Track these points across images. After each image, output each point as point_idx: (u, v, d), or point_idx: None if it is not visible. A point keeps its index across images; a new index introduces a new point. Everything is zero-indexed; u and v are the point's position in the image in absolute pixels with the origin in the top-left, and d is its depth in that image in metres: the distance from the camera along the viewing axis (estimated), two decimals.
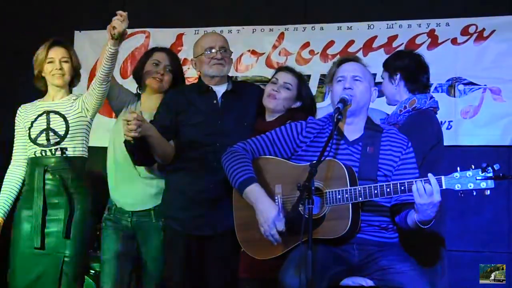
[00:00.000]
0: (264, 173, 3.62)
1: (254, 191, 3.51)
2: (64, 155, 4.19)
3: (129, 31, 6.17)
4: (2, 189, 4.33)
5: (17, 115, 4.38)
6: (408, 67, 4.12)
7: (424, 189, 3.19)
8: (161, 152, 4.11)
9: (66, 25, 6.30)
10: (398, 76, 4.12)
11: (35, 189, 4.16)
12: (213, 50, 4.21)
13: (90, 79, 4.59)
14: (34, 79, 4.34)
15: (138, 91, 4.56)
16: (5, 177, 4.33)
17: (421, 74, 4.13)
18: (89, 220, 4.24)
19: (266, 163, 3.66)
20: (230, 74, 5.95)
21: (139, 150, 4.03)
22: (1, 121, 4.65)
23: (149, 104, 4.41)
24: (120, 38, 3.94)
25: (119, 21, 3.91)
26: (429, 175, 3.21)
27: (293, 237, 3.43)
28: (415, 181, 3.24)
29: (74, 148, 4.22)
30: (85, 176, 4.28)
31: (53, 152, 4.19)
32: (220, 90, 4.26)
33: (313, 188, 3.18)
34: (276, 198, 3.57)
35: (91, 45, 6.25)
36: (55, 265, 4.11)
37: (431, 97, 4.10)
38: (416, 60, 4.16)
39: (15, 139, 4.36)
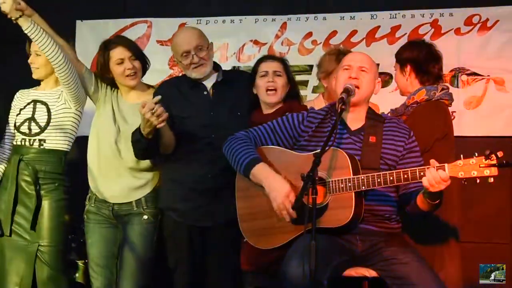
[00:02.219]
0: (267, 163, 3.59)
1: (262, 169, 3.51)
2: (42, 146, 4.23)
3: (131, 20, 6.23)
4: None
5: (14, 99, 4.44)
6: (417, 58, 4.09)
7: (432, 176, 3.16)
8: (169, 141, 4.08)
9: (68, 15, 6.27)
10: (408, 68, 4.10)
11: (9, 176, 4.24)
12: (189, 55, 4.13)
13: (92, 68, 4.56)
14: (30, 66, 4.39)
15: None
16: None
17: (432, 64, 4.09)
18: (60, 212, 4.28)
19: (269, 152, 3.65)
20: (232, 64, 6.01)
21: (155, 143, 3.96)
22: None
23: (131, 96, 4.34)
24: (17, 17, 3.98)
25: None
26: (431, 161, 3.21)
27: (296, 226, 3.43)
28: (420, 170, 3.22)
29: (53, 140, 4.25)
30: (62, 169, 4.31)
31: (31, 143, 4.24)
32: (209, 82, 4.23)
33: (316, 178, 3.17)
34: None
35: (92, 34, 6.23)
36: (30, 253, 4.19)
37: (443, 89, 4.06)
38: (426, 51, 4.12)
39: (9, 121, 4.41)
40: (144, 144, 3.93)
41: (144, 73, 4.38)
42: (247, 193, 3.62)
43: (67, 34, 4.41)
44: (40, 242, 4.20)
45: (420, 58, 4.08)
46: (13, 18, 3.96)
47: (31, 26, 4.00)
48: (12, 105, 4.42)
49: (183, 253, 4.15)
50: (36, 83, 4.44)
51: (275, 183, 3.46)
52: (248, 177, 3.54)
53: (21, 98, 4.40)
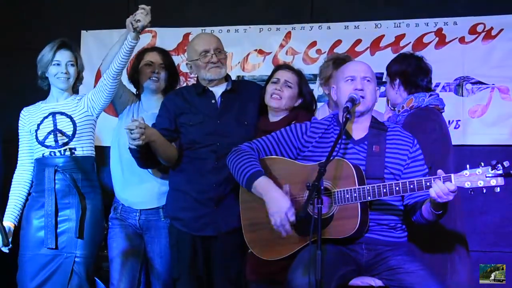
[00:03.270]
0: (271, 173, 3.60)
1: (264, 183, 3.49)
2: (73, 155, 4.16)
3: None
4: (11, 193, 4.26)
5: (20, 118, 4.31)
6: (406, 71, 4.10)
7: (440, 189, 3.16)
8: (164, 155, 4.12)
9: (73, 25, 6.30)
10: (398, 81, 4.12)
11: (45, 189, 4.11)
12: (208, 54, 4.18)
13: (97, 78, 4.57)
14: (38, 79, 4.31)
15: (137, 92, 4.58)
16: (13, 181, 4.29)
17: (420, 77, 4.10)
18: (100, 219, 4.22)
19: (273, 163, 3.65)
20: (237, 74, 6.02)
21: (144, 156, 4.03)
22: (7, 120, 4.63)
23: (150, 105, 4.43)
24: (141, 31, 3.97)
25: (143, 15, 3.92)
26: (439, 171, 3.20)
27: (301, 237, 3.43)
28: (434, 179, 3.20)
29: (82, 147, 4.18)
30: (94, 175, 4.25)
31: (62, 153, 4.15)
32: (219, 90, 4.25)
33: (322, 187, 3.17)
34: None
35: (97, 44, 6.25)
36: (66, 265, 4.07)
37: (431, 95, 4.08)
38: (415, 64, 4.13)
39: (20, 142, 4.31)
40: (135, 153, 3.99)
41: (172, 87, 4.50)
42: (251, 205, 3.62)
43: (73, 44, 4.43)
44: (77, 253, 4.08)
45: (409, 71, 4.10)
46: (139, 27, 3.93)
47: (137, 42, 4.03)
48: (20, 124, 4.30)
49: (186, 264, 4.15)
50: (43, 95, 4.41)
51: (275, 199, 3.44)
52: (250, 190, 3.54)
53: (32, 114, 4.27)
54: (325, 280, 3.05)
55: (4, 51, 6.35)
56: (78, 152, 4.17)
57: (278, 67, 4.36)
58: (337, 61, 4.40)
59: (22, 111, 4.33)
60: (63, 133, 4.15)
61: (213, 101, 4.21)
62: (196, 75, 4.37)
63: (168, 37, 6.25)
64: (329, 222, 3.38)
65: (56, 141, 4.16)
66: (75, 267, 4.07)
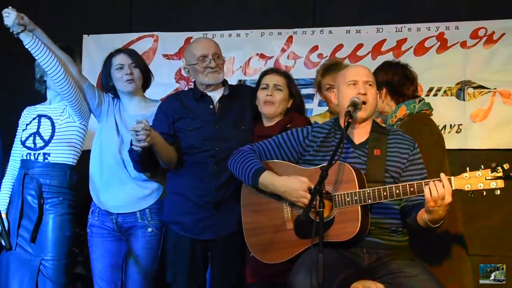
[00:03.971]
0: None
1: (269, 176, 3.55)
2: (46, 160, 4.23)
3: (137, 35, 6.25)
4: (2, 186, 4.41)
5: (21, 116, 4.45)
6: (392, 81, 4.11)
7: (437, 191, 3.17)
8: (166, 158, 4.11)
9: (75, 29, 6.30)
10: (384, 90, 4.12)
11: (15, 192, 4.25)
12: (207, 59, 4.17)
13: (99, 82, 4.58)
14: (35, 82, 4.35)
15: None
16: (6, 173, 4.42)
17: (407, 86, 4.11)
18: (63, 226, 4.26)
19: (274, 166, 3.66)
20: (238, 78, 6.02)
21: (146, 159, 4.02)
22: (8, 122, 4.66)
23: (132, 108, 4.38)
24: (18, 31, 4.03)
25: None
26: (442, 175, 3.20)
27: (302, 240, 3.43)
28: (426, 183, 3.23)
29: (58, 154, 4.24)
30: (66, 182, 4.30)
31: (36, 157, 4.24)
32: (216, 95, 4.25)
33: (323, 191, 3.18)
34: (285, 201, 3.57)
35: (99, 49, 6.24)
36: (34, 267, 4.18)
37: (421, 100, 4.09)
38: (401, 73, 4.13)
39: (15, 138, 4.43)
40: (135, 156, 3.99)
41: (147, 85, 4.44)
42: (252, 208, 3.63)
43: (73, 49, 4.43)
44: (43, 256, 4.19)
45: (395, 80, 4.10)
46: (14, 32, 4.01)
47: (32, 41, 4.05)
48: (19, 122, 4.43)
49: (183, 267, 4.13)
50: (41, 98, 4.44)
51: (282, 181, 3.50)
52: (256, 185, 3.55)
53: (27, 114, 4.42)
54: (326, 283, 3.05)
55: (7, 55, 6.35)
56: (52, 158, 4.25)
57: (265, 72, 4.34)
58: (331, 67, 4.48)
59: (24, 110, 4.47)
60: (41, 137, 4.22)
61: (211, 106, 4.21)
62: (193, 80, 4.37)
63: (169, 42, 6.25)
64: (330, 226, 3.38)
65: (34, 143, 4.27)
66: (42, 269, 4.17)
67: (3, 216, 4.24)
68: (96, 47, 6.33)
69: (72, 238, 4.36)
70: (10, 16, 3.99)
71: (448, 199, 3.17)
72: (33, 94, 4.55)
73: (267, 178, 3.55)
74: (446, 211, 3.23)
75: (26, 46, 4.04)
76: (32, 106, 4.44)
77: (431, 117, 4.12)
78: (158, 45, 6.29)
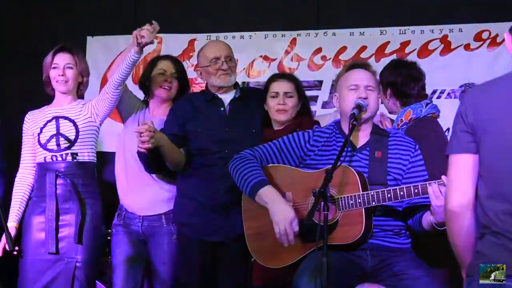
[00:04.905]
0: (274, 181, 3.60)
1: (268, 193, 3.50)
2: (75, 160, 4.17)
3: None
4: (13, 195, 4.28)
5: (24, 122, 4.33)
6: (396, 82, 4.09)
7: (440, 191, 3.18)
8: (172, 161, 4.13)
9: (79, 30, 6.32)
10: (389, 91, 4.11)
11: (47, 194, 4.12)
12: (219, 61, 4.19)
13: (102, 83, 4.60)
14: (43, 83, 4.34)
15: (145, 99, 4.58)
16: (15, 183, 4.30)
17: (411, 86, 4.07)
18: (100, 225, 4.23)
19: (276, 171, 3.65)
20: (242, 80, 6.03)
21: (152, 160, 4.05)
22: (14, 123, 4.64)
23: (158, 112, 4.43)
24: (143, 47, 4.00)
25: (148, 31, 3.95)
26: (443, 177, 3.20)
27: (305, 244, 3.43)
28: (430, 184, 3.24)
29: (84, 153, 4.20)
30: (95, 181, 4.28)
31: (64, 157, 4.16)
32: (227, 97, 4.26)
33: (328, 194, 3.18)
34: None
35: (103, 50, 6.28)
36: (68, 270, 4.08)
37: (428, 103, 4.06)
38: (405, 74, 4.09)
39: (22, 145, 4.33)
40: (144, 157, 4.02)
41: (181, 96, 4.47)
42: (254, 213, 3.63)
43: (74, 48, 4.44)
44: (77, 258, 4.10)
45: (398, 82, 4.08)
46: (143, 43, 3.97)
47: (139, 56, 4.07)
48: (24, 128, 4.33)
49: (193, 271, 4.16)
50: (48, 100, 4.43)
51: (280, 208, 3.45)
52: (253, 198, 3.54)
53: (36, 118, 4.30)
54: (331, 286, 3.04)
55: (11, 57, 6.37)
56: (80, 157, 4.19)
57: (272, 79, 4.29)
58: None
59: (26, 115, 4.36)
60: (65, 137, 4.17)
61: (221, 109, 4.22)
62: (204, 81, 4.38)
63: (173, 43, 6.27)
64: (334, 229, 3.38)
65: (58, 144, 4.18)
66: (76, 272, 4.09)
67: (15, 225, 4.17)
68: (100, 48, 6.35)
69: (103, 241, 4.42)
70: (155, 32, 4.00)
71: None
72: (35, 97, 4.53)
73: (263, 195, 3.50)
74: None
75: (133, 58, 4.00)
76: (37, 110, 4.36)
77: (438, 119, 4.11)
78: (162, 46, 6.31)
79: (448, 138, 4.10)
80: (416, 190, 3.28)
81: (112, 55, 6.17)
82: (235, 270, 4.13)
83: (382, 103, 4.16)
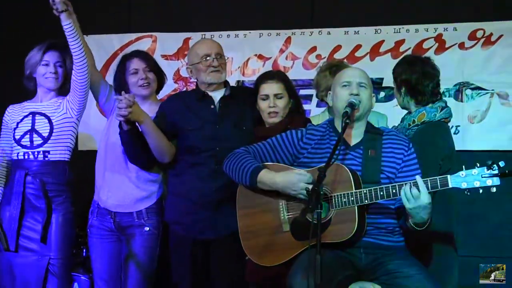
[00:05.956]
0: None
1: (267, 173, 3.54)
2: (46, 158, 4.21)
3: (136, 35, 6.26)
4: None
5: (5, 115, 4.40)
6: (410, 80, 4.03)
7: (411, 193, 3.21)
8: (157, 144, 4.12)
9: None
10: (403, 88, 4.07)
11: (13, 192, 4.19)
12: (209, 58, 4.21)
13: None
14: (24, 78, 4.34)
15: None
16: None
17: (425, 83, 4.01)
18: (69, 223, 4.26)
19: (270, 169, 3.63)
20: (237, 79, 6.03)
21: (135, 140, 4.06)
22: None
23: (146, 109, 4.37)
24: (63, 9, 3.98)
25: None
26: (417, 177, 3.25)
27: (299, 242, 3.43)
28: (399, 185, 3.28)
29: (56, 151, 4.23)
30: (66, 179, 4.28)
31: (36, 155, 4.21)
32: (217, 95, 4.27)
33: (321, 192, 3.18)
34: (281, 203, 3.59)
35: (97, 49, 6.25)
36: (41, 266, 4.14)
37: (443, 108, 4.01)
38: (420, 71, 4.03)
39: (0, 138, 4.39)
40: (125, 137, 4.05)
41: (160, 86, 4.50)
42: (248, 211, 3.64)
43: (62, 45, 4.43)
44: (51, 255, 4.16)
45: (413, 80, 4.01)
46: (59, 10, 3.96)
47: (71, 23, 4.03)
48: (4, 120, 4.38)
49: (186, 269, 4.16)
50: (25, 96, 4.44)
51: (283, 179, 3.49)
52: (255, 184, 3.56)
53: (15, 112, 4.36)
54: (324, 284, 3.04)
55: (3, 56, 6.36)
56: (51, 156, 4.22)
57: (261, 80, 4.27)
58: (333, 69, 4.37)
59: (7, 108, 4.42)
60: (39, 134, 4.19)
61: (212, 106, 4.23)
62: (195, 80, 4.38)
63: (168, 42, 6.27)
64: (327, 226, 3.38)
65: (31, 141, 4.23)
66: (50, 268, 4.15)
67: None
68: (95, 47, 6.31)
69: (75, 236, 4.40)
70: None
71: (424, 199, 3.21)
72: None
73: (265, 176, 3.54)
74: (428, 214, 3.27)
75: (65, 27, 4.00)
76: (17, 104, 4.39)
77: (448, 123, 4.09)
78: (157, 45, 6.31)
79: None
80: None
81: (107, 54, 6.16)
82: (228, 267, 4.14)
83: (383, 101, 4.15)
